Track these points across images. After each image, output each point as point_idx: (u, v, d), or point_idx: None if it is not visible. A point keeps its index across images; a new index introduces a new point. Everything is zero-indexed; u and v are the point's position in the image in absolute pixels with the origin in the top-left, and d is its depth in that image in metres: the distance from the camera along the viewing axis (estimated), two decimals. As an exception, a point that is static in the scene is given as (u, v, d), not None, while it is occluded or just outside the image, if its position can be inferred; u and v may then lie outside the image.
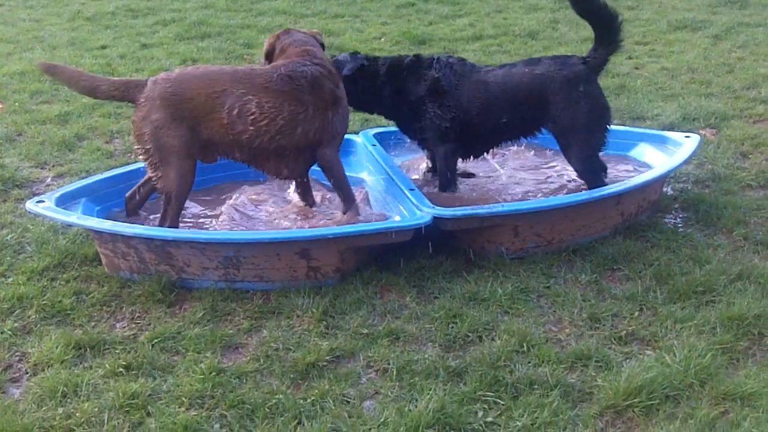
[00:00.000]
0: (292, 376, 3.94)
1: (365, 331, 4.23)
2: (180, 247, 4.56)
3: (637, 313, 4.35)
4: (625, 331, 4.20)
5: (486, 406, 3.70)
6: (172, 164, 4.83)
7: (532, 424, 3.57)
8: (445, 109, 5.28)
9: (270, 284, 4.58)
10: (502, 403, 3.71)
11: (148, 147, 4.83)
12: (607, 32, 5.15)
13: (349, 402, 3.77)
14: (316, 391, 3.81)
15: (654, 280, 4.60)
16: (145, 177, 5.13)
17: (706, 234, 5.12)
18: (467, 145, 5.43)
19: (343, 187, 5.09)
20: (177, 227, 4.88)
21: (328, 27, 10.30)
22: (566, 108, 5.14)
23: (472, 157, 5.56)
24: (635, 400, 3.67)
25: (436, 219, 4.65)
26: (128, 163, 6.01)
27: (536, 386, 3.79)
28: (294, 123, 4.88)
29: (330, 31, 10.11)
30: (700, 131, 6.45)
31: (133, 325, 4.38)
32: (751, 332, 4.15)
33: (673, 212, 5.43)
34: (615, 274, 4.74)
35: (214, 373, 3.94)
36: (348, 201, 5.08)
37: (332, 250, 4.56)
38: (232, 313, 4.44)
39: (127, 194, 5.25)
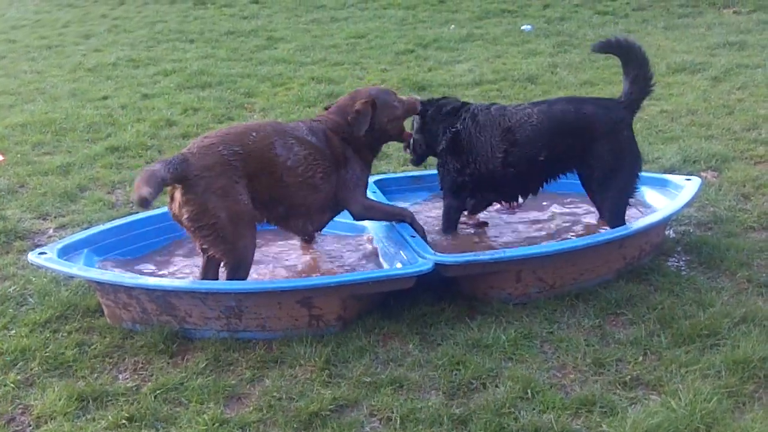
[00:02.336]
0: (295, 425, 3.91)
1: (368, 379, 4.21)
2: (182, 298, 4.55)
3: (641, 358, 4.32)
4: (629, 376, 4.17)
5: (492, 454, 3.68)
6: (244, 231, 4.71)
7: (538, 472, 3.54)
8: (463, 163, 5.33)
9: (272, 333, 4.56)
10: (507, 451, 3.69)
11: (215, 221, 4.61)
12: (642, 75, 5.15)
13: (352, 452, 3.75)
14: (320, 441, 3.80)
15: (658, 324, 4.58)
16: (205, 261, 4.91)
17: (709, 277, 5.11)
18: (499, 192, 5.49)
19: (393, 218, 5.16)
20: None
21: (328, 75, 10.38)
22: (610, 153, 5.16)
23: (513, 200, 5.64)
24: (641, 446, 3.64)
25: (437, 266, 4.64)
26: (130, 214, 6.02)
27: (541, 433, 3.76)
28: (325, 177, 4.96)
29: (330, 78, 10.19)
30: (701, 173, 6.46)
31: (136, 377, 4.36)
32: (756, 375, 4.12)
33: (676, 255, 5.42)
34: (618, 318, 4.72)
35: (217, 424, 3.92)
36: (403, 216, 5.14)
37: (334, 298, 4.55)
38: (235, 363, 4.42)
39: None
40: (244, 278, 4.74)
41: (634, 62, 5.18)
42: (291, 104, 9.14)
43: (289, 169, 4.83)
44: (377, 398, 4.06)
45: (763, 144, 7.23)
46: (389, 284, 4.61)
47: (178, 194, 4.66)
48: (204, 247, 4.73)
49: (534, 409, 3.94)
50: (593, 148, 5.15)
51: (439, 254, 4.73)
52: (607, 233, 5.04)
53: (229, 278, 4.73)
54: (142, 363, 4.46)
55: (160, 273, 5.14)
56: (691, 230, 5.73)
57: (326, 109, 5.32)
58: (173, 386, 4.22)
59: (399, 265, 4.85)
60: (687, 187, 5.51)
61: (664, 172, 6.35)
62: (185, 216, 4.65)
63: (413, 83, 9.72)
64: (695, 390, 3.98)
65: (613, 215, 5.22)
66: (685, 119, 7.97)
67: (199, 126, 8.41)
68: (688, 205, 5.43)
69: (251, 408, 4.06)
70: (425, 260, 4.66)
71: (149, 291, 4.60)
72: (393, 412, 3.95)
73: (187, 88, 10.04)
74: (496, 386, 4.11)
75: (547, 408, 3.93)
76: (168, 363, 4.44)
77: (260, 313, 4.53)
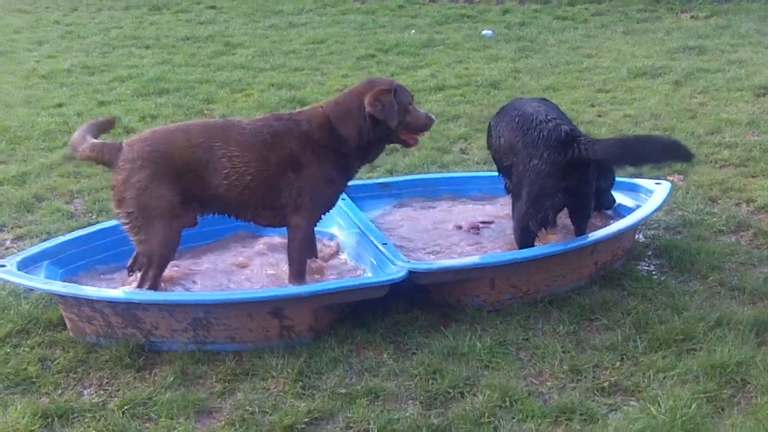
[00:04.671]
0: (269, 441, 3.81)
1: (343, 390, 4.11)
2: (148, 310, 4.42)
3: (618, 363, 4.27)
4: (607, 382, 4.12)
5: (472, 466, 3.60)
6: (158, 227, 4.69)
7: (520, 484, 3.47)
8: None
9: (242, 345, 4.44)
10: (488, 462, 3.61)
11: (131, 211, 4.68)
12: None
13: (329, 467, 3.65)
14: (295, 455, 3.69)
15: (633, 329, 4.54)
16: None
17: (681, 280, 5.09)
18: None
19: (294, 262, 4.88)
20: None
21: (289, 80, 10.25)
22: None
23: None
24: (624, 454, 3.59)
25: (411, 273, 4.56)
26: (90, 224, 5.87)
27: (522, 443, 3.69)
28: (260, 180, 4.77)
29: (291, 84, 10.06)
30: (668, 177, 6.45)
31: (102, 392, 4.21)
32: (734, 380, 4.09)
33: (647, 259, 5.40)
34: (593, 324, 4.67)
35: (188, 441, 3.80)
36: (295, 277, 4.87)
37: (305, 308, 4.45)
38: (204, 377, 4.29)
39: (127, 265, 5.05)
40: (157, 274, 4.71)
41: None
42: (251, 110, 8.99)
43: (213, 172, 4.72)
44: (353, 410, 3.97)
45: (727, 147, 7.26)
46: (362, 293, 4.51)
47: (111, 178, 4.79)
48: (126, 232, 4.78)
49: (513, 418, 3.87)
50: None
51: (412, 262, 4.65)
52: (579, 239, 4.99)
53: (143, 272, 4.72)
54: (108, 378, 4.32)
55: (125, 284, 4.99)
56: (661, 234, 5.72)
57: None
58: (141, 401, 4.09)
59: (370, 274, 4.76)
60: (657, 191, 5.49)
61: (632, 177, 6.35)
62: (112, 202, 4.82)
63: (375, 89, 9.62)
64: (674, 396, 3.94)
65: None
66: (649, 123, 7.97)
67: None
68: (658, 209, 5.40)
69: (223, 422, 3.95)
70: (398, 268, 4.58)
71: (113, 303, 4.45)
72: (369, 424, 3.86)
73: (144, 94, 9.85)
74: (474, 395, 4.04)
75: (527, 417, 3.87)
76: (135, 377, 4.30)
77: (230, 325, 4.41)
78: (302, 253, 4.91)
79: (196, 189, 4.74)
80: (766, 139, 7.40)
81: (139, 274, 4.80)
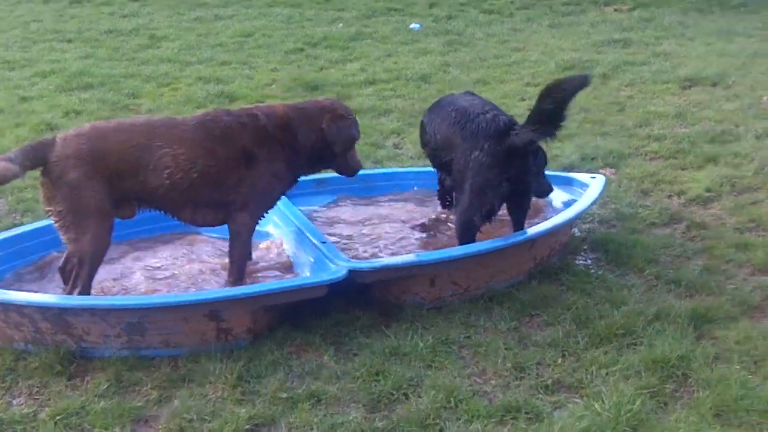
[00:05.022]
0: (210, 449, 3.69)
1: (284, 395, 4.01)
2: (79, 315, 4.25)
3: (560, 360, 4.26)
4: (551, 380, 4.10)
5: (419, 469, 3.54)
6: (89, 227, 4.54)
7: (468, 486, 3.42)
8: None
9: (178, 349, 4.31)
10: (434, 464, 3.56)
11: (61, 209, 4.52)
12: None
13: (273, 475, 3.56)
14: (237, 464, 3.59)
15: (574, 325, 4.54)
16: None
17: (618, 274, 5.11)
18: None
19: (235, 262, 4.82)
20: (89, 293, 4.58)
21: (217, 74, 10.06)
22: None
23: None
24: (570, 452, 3.57)
25: (351, 272, 4.48)
26: (14, 225, 5.66)
27: (468, 444, 3.65)
28: (207, 177, 4.65)
29: (219, 78, 9.88)
30: (600, 171, 6.49)
31: (32, 402, 4.04)
32: (675, 374, 4.11)
33: (583, 253, 5.42)
34: (534, 320, 4.65)
35: (124, 452, 3.66)
36: (235, 277, 4.80)
37: (243, 310, 4.33)
38: (139, 383, 4.15)
39: (59, 266, 4.87)
40: (89, 274, 4.58)
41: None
42: (179, 105, 8.81)
43: (154, 172, 4.60)
44: (295, 415, 3.88)
45: (656, 140, 7.35)
46: (301, 293, 4.42)
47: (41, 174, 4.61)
48: (58, 230, 4.64)
49: (459, 419, 3.82)
50: None
51: (352, 260, 4.57)
52: (518, 234, 4.97)
53: (75, 272, 4.59)
54: (38, 386, 4.14)
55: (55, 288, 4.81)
56: (596, 227, 5.75)
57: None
58: (74, 411, 3.93)
59: (310, 274, 4.66)
60: (592, 185, 5.51)
61: (564, 170, 6.37)
62: (42, 199, 4.64)
63: (306, 83, 9.52)
64: (618, 392, 3.93)
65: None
66: (579, 117, 8.02)
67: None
68: (594, 203, 5.42)
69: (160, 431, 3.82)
70: (338, 267, 4.50)
71: (43, 309, 4.27)
72: (313, 430, 3.77)
73: (67, 90, 9.56)
74: (419, 396, 3.98)
75: (472, 417, 3.82)
76: (66, 386, 4.14)
77: (165, 329, 4.28)
78: (246, 252, 4.84)
79: (134, 189, 4.63)
80: (694, 131, 7.51)
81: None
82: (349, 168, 5.10)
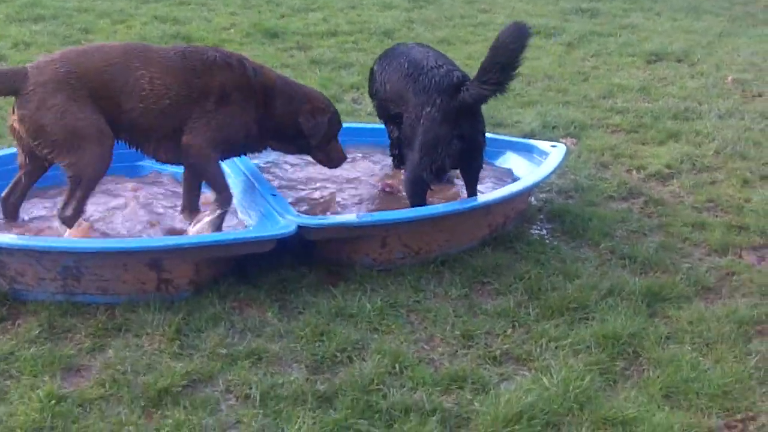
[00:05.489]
0: (143, 403, 3.52)
1: (224, 351, 3.86)
2: (13, 255, 4.04)
3: (510, 331, 4.15)
4: (499, 350, 3.99)
5: (360, 436, 3.40)
6: (87, 145, 4.35)
7: (410, 456, 3.31)
8: None
9: (115, 297, 4.12)
10: (376, 431, 3.43)
11: (54, 137, 4.33)
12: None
13: (207, 434, 3.40)
14: (171, 421, 3.41)
15: (525, 295, 4.44)
16: (19, 173, 4.65)
17: (573, 246, 5.01)
18: None
19: (218, 189, 4.65)
20: (81, 215, 4.44)
21: (174, 14, 9.76)
22: None
23: None
24: (515, 427, 3.45)
25: (300, 228, 4.31)
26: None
27: (412, 412, 3.51)
28: (178, 105, 4.50)
29: (175, 18, 9.59)
30: (561, 140, 6.38)
31: (-43, 345, 3.85)
32: (626, 351, 4.02)
33: (539, 223, 5.31)
34: (485, 287, 4.54)
35: (53, 401, 3.47)
36: (223, 202, 4.64)
37: (186, 261, 4.16)
38: (73, 330, 3.97)
39: (2, 194, 4.68)
40: (85, 195, 4.45)
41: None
42: (133, 43, 8.50)
43: (128, 95, 4.45)
44: (234, 372, 3.72)
45: (619, 113, 7.26)
46: (247, 247, 4.25)
47: (15, 108, 4.41)
48: (49, 159, 4.48)
49: (403, 386, 3.69)
50: None
51: (302, 216, 4.41)
52: (474, 199, 4.84)
53: (71, 191, 4.43)
54: (-35, 329, 3.95)
55: None
56: (553, 197, 5.64)
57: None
58: (2, 356, 3.76)
59: (257, 226, 4.49)
60: (552, 153, 5.39)
61: (525, 137, 6.26)
62: (23, 133, 4.41)
63: (265, 30, 9.27)
64: (567, 366, 3.84)
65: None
66: (542, 84, 7.90)
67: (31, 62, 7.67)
68: (554, 172, 5.30)
69: (92, 382, 3.64)
70: (287, 222, 4.33)
71: (-28, 248, 4.07)
72: (252, 389, 3.62)
73: (17, 20, 9.20)
74: (363, 360, 3.85)
75: (417, 384, 3.69)
76: (-5, 329, 3.95)
77: (102, 275, 4.09)
78: (222, 177, 4.69)
79: (109, 113, 4.45)
80: (657, 107, 7.43)
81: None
82: (329, 160, 5.02)
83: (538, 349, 4.01)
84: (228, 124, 4.60)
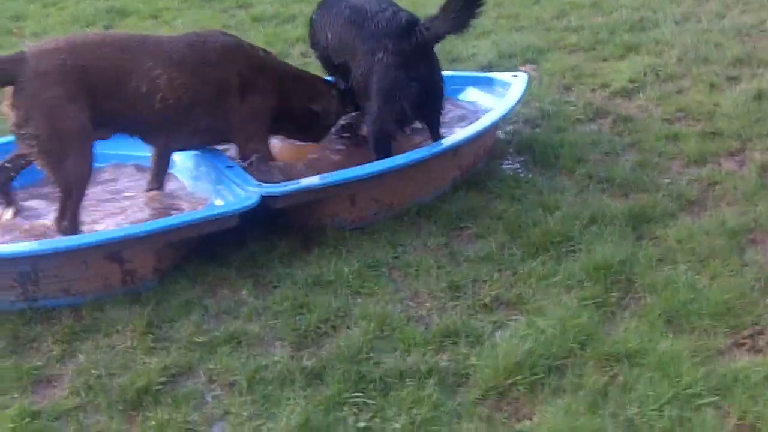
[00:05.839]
0: (122, 407, 3.30)
1: (200, 339, 3.63)
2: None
3: (496, 275, 3.96)
4: (488, 297, 3.80)
5: (356, 410, 3.20)
6: (71, 151, 4.10)
7: (411, 423, 3.11)
8: None
9: (79, 297, 3.88)
10: (372, 403, 3.22)
11: (38, 133, 4.06)
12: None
13: (195, 430, 3.19)
14: (153, 422, 3.20)
15: (507, 235, 4.24)
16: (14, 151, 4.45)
17: (548, 177, 4.81)
18: None
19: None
20: (78, 225, 4.19)
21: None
22: None
23: None
24: (517, 377, 3.27)
25: (264, 198, 4.08)
26: None
27: (407, 377, 3.31)
28: (196, 102, 4.34)
29: (108, -7, 9.19)
30: (520, 68, 6.15)
31: None
32: (619, 280, 3.84)
33: (509, 157, 5.10)
34: (464, 233, 4.34)
35: (26, 419, 3.25)
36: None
37: (147, 248, 3.92)
38: (39, 339, 3.71)
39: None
40: (76, 202, 4.19)
41: None
42: (67, 25, 8.14)
43: (142, 96, 4.23)
44: (215, 360, 3.51)
45: (575, 32, 7.03)
46: (210, 225, 4.01)
47: (9, 94, 4.16)
48: (30, 155, 4.23)
49: (395, 349, 3.49)
50: None
51: (264, 185, 4.17)
52: (440, 143, 4.61)
53: (61, 201, 4.18)
54: None
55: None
56: (520, 129, 5.44)
57: None
58: (-35, 377, 3.52)
59: (219, 202, 4.25)
60: (514, 83, 5.17)
61: (482, 69, 6.04)
62: (11, 120, 4.16)
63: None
64: (561, 305, 3.66)
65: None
66: (493, 12, 7.60)
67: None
68: (518, 102, 5.08)
69: (66, 392, 3.40)
70: (249, 193, 4.09)
71: None
72: (236, 376, 3.40)
73: (-58, 12, 8.79)
74: (348, 328, 3.64)
75: (409, 346, 3.49)
76: (-45, 348, 3.71)
77: (63, 276, 3.84)
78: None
79: (115, 110, 4.23)
80: (612, 20, 7.21)
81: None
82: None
83: (528, 291, 3.83)
84: (261, 111, 4.54)
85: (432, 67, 4.57)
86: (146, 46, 4.34)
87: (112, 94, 4.20)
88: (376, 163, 4.43)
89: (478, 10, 4.36)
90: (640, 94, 5.83)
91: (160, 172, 4.65)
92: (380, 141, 4.51)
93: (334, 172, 4.35)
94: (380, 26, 4.45)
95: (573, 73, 6.21)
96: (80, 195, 4.21)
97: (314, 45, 5.10)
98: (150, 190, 4.64)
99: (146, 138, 4.52)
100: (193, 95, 4.32)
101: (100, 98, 4.16)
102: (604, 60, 6.47)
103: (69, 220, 4.17)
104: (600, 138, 5.22)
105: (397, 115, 4.45)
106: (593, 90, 5.97)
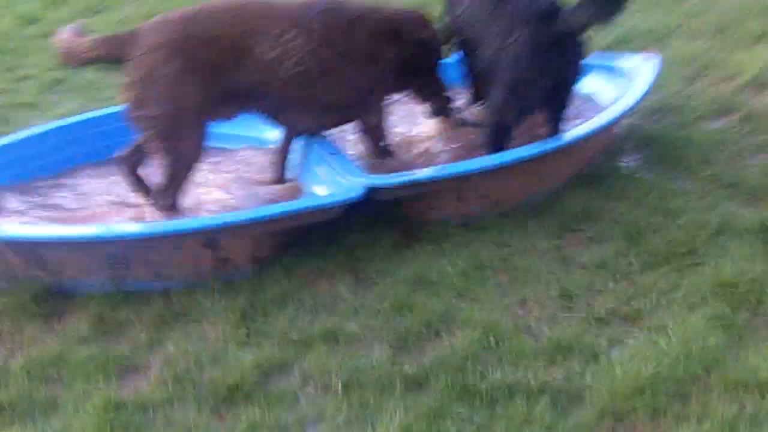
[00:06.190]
0: (212, 402, 3.14)
1: (296, 335, 3.45)
2: (54, 249, 3.65)
3: (612, 285, 3.66)
4: (603, 309, 3.50)
5: (460, 424, 2.96)
6: (186, 131, 3.94)
7: (520, 444, 2.87)
8: None
9: (170, 282, 3.72)
10: (478, 418, 2.98)
11: (156, 113, 3.88)
12: None
13: (288, 432, 3.00)
14: (244, 420, 3.03)
15: (624, 241, 3.93)
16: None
17: (669, 178, 4.46)
18: None
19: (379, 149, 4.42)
20: (176, 206, 4.07)
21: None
22: None
23: None
24: (637, 403, 2.98)
25: (370, 190, 3.85)
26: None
27: (516, 393, 3.06)
28: (327, 72, 4.10)
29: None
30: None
31: (2, 349, 3.50)
32: (747, 300, 3.49)
33: (628, 153, 4.76)
34: (577, 236, 4.04)
35: (111, 410, 3.11)
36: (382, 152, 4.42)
37: (246, 237, 3.74)
38: (126, 324, 3.59)
39: (121, 154, 4.29)
40: (181, 182, 4.04)
41: None
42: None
43: (271, 63, 3.98)
44: (310, 358, 3.32)
45: (696, 16, 6.57)
46: (313, 216, 3.81)
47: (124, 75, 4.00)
48: (142, 140, 4.05)
49: (501, 361, 3.23)
50: None
51: (370, 176, 3.93)
52: (559, 138, 4.28)
53: (166, 178, 4.02)
54: (9, 331, 3.61)
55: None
56: (639, 122, 5.07)
57: None
58: (51, 360, 3.40)
59: (320, 191, 4.03)
60: (643, 69, 4.77)
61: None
62: (124, 101, 3.99)
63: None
64: (685, 324, 3.34)
65: None
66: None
67: (67, 22, 7.25)
68: (648, 92, 4.68)
69: (153, 383, 3.26)
70: (353, 184, 3.86)
71: (13, 243, 3.68)
72: (332, 377, 3.20)
73: None
74: (452, 335, 3.39)
75: (517, 359, 3.23)
76: (42, 329, 3.61)
77: (153, 260, 3.69)
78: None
79: (238, 84, 4.00)
80: (737, 4, 6.68)
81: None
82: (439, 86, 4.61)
83: (647, 305, 3.51)
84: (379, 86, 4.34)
85: (570, 59, 4.19)
86: (270, 10, 4.11)
87: (236, 65, 3.97)
88: (489, 157, 4.13)
89: (624, 4, 3.90)
90: (770, 90, 5.41)
91: (282, 160, 4.46)
92: (498, 133, 4.20)
93: (446, 165, 4.08)
94: (520, 5, 4.08)
95: (698, 62, 5.78)
96: (187, 176, 4.06)
97: (447, 13, 4.68)
98: (274, 180, 4.46)
99: (275, 116, 4.28)
100: (323, 64, 4.09)
101: (223, 72, 3.95)
102: (732, 49, 6.01)
103: (169, 198, 4.02)
104: (727, 137, 4.84)
105: (523, 109, 4.13)
106: (721, 81, 5.54)
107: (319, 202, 3.85)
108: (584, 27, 4.05)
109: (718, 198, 4.26)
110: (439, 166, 4.09)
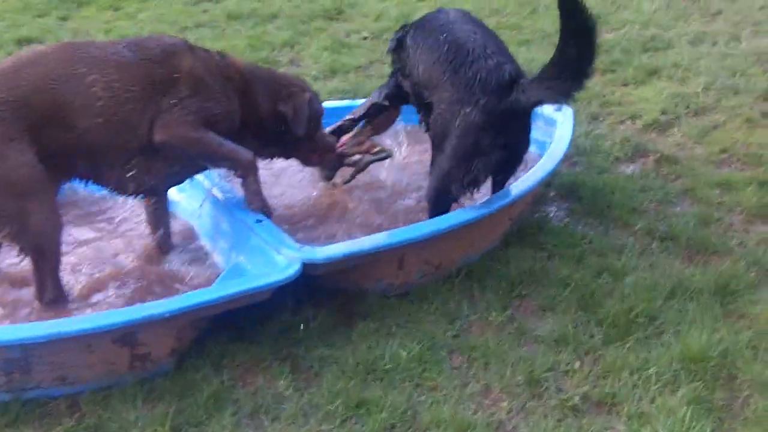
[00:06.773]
0: None
1: (239, 451, 2.95)
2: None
3: (578, 364, 3.36)
4: (576, 396, 3.20)
5: None
6: (30, 205, 3.35)
7: None
8: None
9: (78, 387, 3.13)
10: None
11: None
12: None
13: None
14: None
15: (578, 309, 3.66)
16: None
17: (601, 231, 4.26)
18: None
19: (227, 156, 3.72)
20: (64, 293, 3.49)
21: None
22: None
23: None
24: None
25: (305, 266, 3.38)
26: None
27: None
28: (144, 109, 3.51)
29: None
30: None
31: None
32: (719, 377, 3.29)
33: (554, 204, 4.52)
34: (527, 303, 3.74)
35: None
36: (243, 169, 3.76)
37: (167, 329, 3.18)
38: (27, 447, 2.98)
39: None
40: (54, 266, 3.50)
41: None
42: (17, 13, 7.27)
43: (83, 109, 3.40)
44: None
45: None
46: (244, 300, 3.28)
47: None
48: None
49: (483, 470, 2.87)
50: None
51: (305, 247, 3.45)
52: (501, 196, 3.94)
53: (35, 271, 3.49)
54: None
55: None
56: (557, 168, 4.80)
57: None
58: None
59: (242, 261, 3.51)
60: (562, 120, 4.54)
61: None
62: None
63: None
64: (667, 410, 3.09)
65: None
66: (492, 20, 7.00)
67: None
68: (571, 142, 4.45)
69: None
70: (287, 260, 3.38)
71: None
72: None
73: None
74: (420, 438, 3.00)
75: (500, 466, 2.89)
76: None
77: (60, 363, 3.08)
78: (227, 144, 3.72)
79: (58, 142, 3.41)
80: (623, 38, 6.72)
81: None
82: (320, 156, 4.25)
83: (620, 388, 3.23)
84: (208, 108, 3.65)
85: (521, 133, 3.88)
86: (78, 53, 3.55)
87: (52, 123, 3.40)
88: (433, 222, 3.74)
89: (585, 81, 3.56)
90: (675, 129, 5.34)
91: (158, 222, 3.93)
92: (440, 200, 3.82)
93: (386, 233, 3.65)
94: (479, 77, 3.71)
95: (597, 100, 5.64)
96: (58, 255, 3.51)
97: (404, 74, 4.25)
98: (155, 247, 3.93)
99: (100, 176, 3.68)
100: (137, 99, 3.57)
101: (42, 131, 3.39)
102: (625, 84, 5.95)
103: (52, 290, 3.46)
104: (648, 183, 4.69)
105: (469, 182, 3.76)
106: (624, 121, 5.44)
107: (252, 285, 3.29)
108: (538, 104, 3.75)
109: (658, 254, 4.08)
110: (382, 234, 3.64)
